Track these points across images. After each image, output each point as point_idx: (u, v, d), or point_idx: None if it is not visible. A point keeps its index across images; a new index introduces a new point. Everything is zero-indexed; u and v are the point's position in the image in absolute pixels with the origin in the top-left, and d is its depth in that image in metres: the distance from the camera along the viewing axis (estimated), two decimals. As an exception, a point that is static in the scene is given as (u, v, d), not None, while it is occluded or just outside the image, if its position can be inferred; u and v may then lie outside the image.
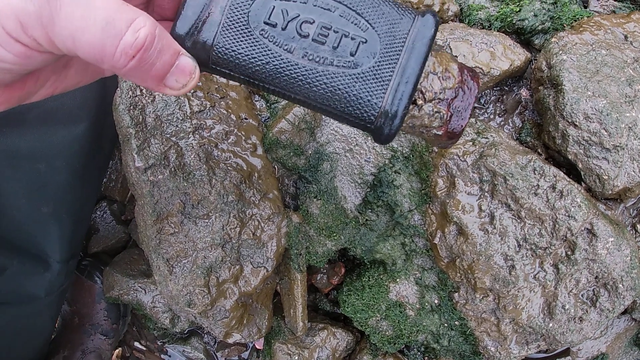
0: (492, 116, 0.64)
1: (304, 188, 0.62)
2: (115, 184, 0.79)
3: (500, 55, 0.59)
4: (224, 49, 0.27)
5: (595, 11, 0.68)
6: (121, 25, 0.23)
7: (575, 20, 0.65)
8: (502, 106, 0.65)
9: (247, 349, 0.80)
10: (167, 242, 0.57)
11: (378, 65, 0.27)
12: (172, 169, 0.57)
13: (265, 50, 0.27)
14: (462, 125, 0.30)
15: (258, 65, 0.27)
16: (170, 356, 0.83)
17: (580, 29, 0.63)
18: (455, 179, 0.56)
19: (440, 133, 0.30)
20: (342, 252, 0.67)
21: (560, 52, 0.59)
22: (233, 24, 0.27)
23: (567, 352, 0.65)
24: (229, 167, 0.58)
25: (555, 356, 0.64)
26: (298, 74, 0.27)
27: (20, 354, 0.70)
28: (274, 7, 0.27)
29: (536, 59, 0.64)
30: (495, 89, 0.65)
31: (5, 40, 0.22)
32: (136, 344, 0.84)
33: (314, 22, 0.27)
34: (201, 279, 0.57)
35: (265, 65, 0.27)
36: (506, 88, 0.65)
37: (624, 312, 0.66)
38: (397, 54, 0.27)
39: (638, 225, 0.63)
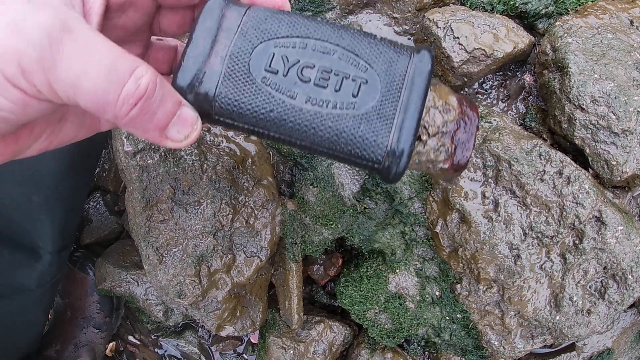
0: (495, 101, 0.62)
1: (300, 175, 0.60)
2: (108, 174, 0.77)
3: (504, 37, 0.57)
4: (226, 99, 0.27)
5: (601, -5, 0.66)
6: (124, 72, 0.22)
7: (580, 5, 0.63)
8: (505, 91, 0.62)
9: (242, 342, 0.78)
10: (156, 229, 0.55)
11: (381, 105, 0.27)
12: (162, 154, 0.55)
13: (268, 98, 0.27)
14: (466, 157, 0.30)
15: (262, 113, 0.27)
16: (164, 350, 0.81)
17: (585, 12, 0.61)
18: (457, 165, 0.54)
19: (446, 167, 0.30)
20: (339, 242, 0.65)
21: (565, 35, 0.57)
22: (234, 73, 0.27)
23: (572, 347, 0.62)
24: (221, 152, 0.57)
25: (560, 351, 0.62)
26: (303, 119, 0.27)
27: (12, 346, 0.68)
28: (274, 54, 0.27)
29: (540, 43, 0.62)
30: (498, 73, 0.63)
31: (3, 86, 0.21)
32: (130, 337, 0.82)
33: (314, 66, 0.27)
34: (192, 269, 0.55)
35: (270, 112, 0.27)
36: (509, 73, 0.63)
37: (631, 306, 0.63)
38: (398, 92, 0.27)
39: (648, 215, 0.60)
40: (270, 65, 0.27)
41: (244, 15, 0.27)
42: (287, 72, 0.27)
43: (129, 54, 0.23)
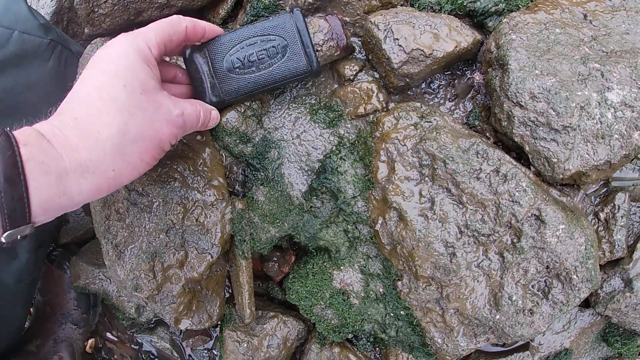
0: (442, 101, 0.63)
1: (252, 175, 0.63)
2: (84, 177, 0.81)
3: (445, 37, 0.57)
4: (226, 90, 0.54)
5: (555, -9, 0.65)
6: (198, 113, 0.51)
7: (532, 1, 0.63)
8: (453, 90, 0.63)
9: (211, 338, 0.81)
10: (114, 227, 0.58)
11: (292, 50, 0.53)
12: (118, 157, 0.58)
13: (242, 79, 0.53)
14: (343, 43, 0.58)
15: (243, 87, 0.54)
16: (141, 346, 0.85)
17: (535, 8, 0.60)
18: (395, 164, 0.55)
19: (338, 53, 0.58)
20: (293, 241, 0.67)
21: (510, 31, 0.57)
22: (223, 78, 0.53)
23: (526, 346, 0.61)
24: (174, 155, 0.59)
25: (512, 350, 0.61)
26: (262, 78, 0.53)
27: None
28: (232, 59, 0.53)
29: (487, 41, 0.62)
30: (446, 73, 0.63)
31: (164, 148, 0.49)
32: (108, 334, 0.86)
33: (253, 53, 0.53)
34: (146, 264, 0.58)
35: (247, 84, 0.54)
36: (458, 72, 0.63)
37: (588, 306, 0.62)
38: (296, 39, 0.53)
39: (600, 214, 0.59)
40: (234, 65, 0.53)
41: (207, 52, 0.53)
42: (243, 62, 0.53)
43: (195, 101, 0.52)
